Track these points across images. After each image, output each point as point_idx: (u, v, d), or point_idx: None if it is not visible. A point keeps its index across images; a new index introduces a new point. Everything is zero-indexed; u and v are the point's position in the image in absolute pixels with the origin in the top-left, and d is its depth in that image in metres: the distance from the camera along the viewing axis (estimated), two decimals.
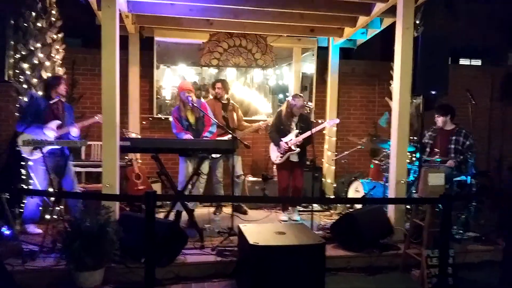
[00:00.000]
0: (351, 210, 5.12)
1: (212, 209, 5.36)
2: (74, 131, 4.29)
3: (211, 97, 5.53)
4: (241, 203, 5.39)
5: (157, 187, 5.49)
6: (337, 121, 5.15)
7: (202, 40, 6.02)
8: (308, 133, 4.84)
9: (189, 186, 4.22)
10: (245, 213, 5.30)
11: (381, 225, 4.36)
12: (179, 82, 4.94)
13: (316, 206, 5.62)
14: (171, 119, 4.69)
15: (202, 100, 4.84)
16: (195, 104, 4.44)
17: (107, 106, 4.02)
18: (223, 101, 5.30)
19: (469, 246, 4.30)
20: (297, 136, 4.98)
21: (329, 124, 5.26)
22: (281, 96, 6.50)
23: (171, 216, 4.40)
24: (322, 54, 6.44)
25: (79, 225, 3.42)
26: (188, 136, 4.42)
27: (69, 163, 4.28)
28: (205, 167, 4.44)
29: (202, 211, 5.28)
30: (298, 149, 4.96)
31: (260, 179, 5.84)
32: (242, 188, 5.52)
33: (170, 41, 5.97)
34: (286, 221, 5.05)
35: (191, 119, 4.53)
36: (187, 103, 4.44)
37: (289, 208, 5.25)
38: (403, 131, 4.50)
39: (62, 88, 4.34)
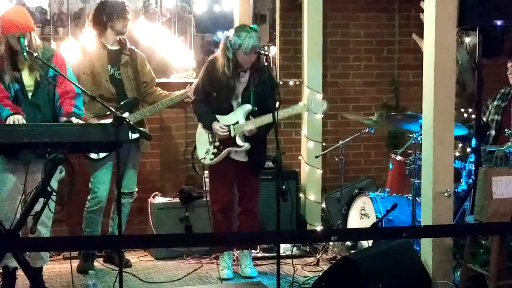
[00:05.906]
0: (352, 251, 5.20)
1: (77, 262, 5.33)
2: None
3: (80, 43, 5.47)
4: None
5: None
6: (323, 107, 5.05)
7: None
8: (267, 118, 4.89)
9: (30, 219, 4.13)
10: (127, 265, 5.42)
11: (408, 277, 4.43)
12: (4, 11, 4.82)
13: (287, 247, 5.70)
14: None
15: (53, 45, 4.71)
16: (35, 55, 4.38)
17: None
18: (112, 48, 5.42)
19: None
20: (248, 117, 5.05)
21: (312, 110, 5.20)
22: (219, 35, 6.61)
23: None
24: None
25: None
26: (16, 118, 4.38)
27: None
28: (55, 178, 4.40)
29: (60, 267, 5.33)
30: (247, 145, 5.03)
31: (177, 200, 5.87)
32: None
33: None
34: (229, 279, 5.15)
35: (28, 80, 4.58)
36: (19, 49, 4.41)
37: (235, 252, 5.33)
38: (444, 98, 4.57)
39: None
